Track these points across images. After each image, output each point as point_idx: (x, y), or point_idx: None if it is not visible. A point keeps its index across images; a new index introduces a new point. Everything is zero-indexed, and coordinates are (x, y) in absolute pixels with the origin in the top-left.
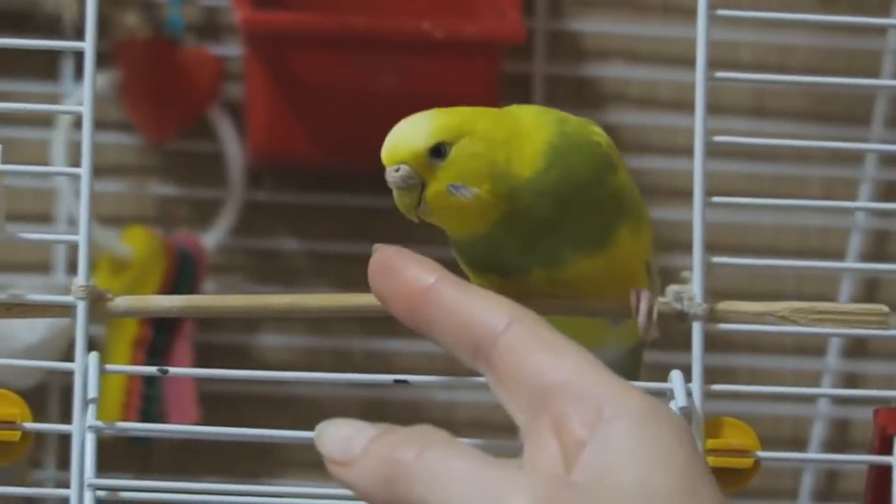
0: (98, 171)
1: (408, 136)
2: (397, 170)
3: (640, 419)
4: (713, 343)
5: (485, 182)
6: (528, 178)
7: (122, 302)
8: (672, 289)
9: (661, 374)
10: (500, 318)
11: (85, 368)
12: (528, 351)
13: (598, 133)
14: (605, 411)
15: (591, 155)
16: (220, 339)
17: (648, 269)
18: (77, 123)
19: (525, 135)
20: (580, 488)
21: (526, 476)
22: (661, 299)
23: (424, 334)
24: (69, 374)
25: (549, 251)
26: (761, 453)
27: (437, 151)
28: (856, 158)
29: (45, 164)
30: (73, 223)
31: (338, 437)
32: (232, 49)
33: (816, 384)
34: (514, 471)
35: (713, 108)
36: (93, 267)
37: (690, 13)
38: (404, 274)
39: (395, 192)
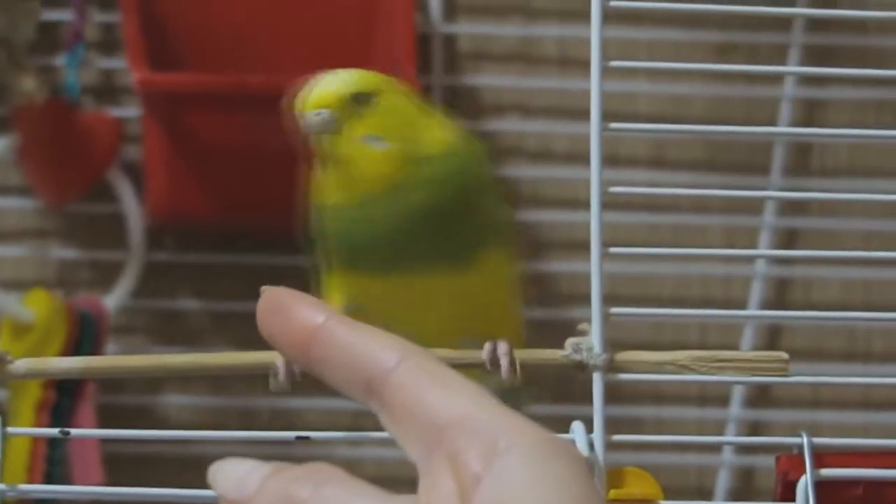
0: None
1: (333, 82)
2: (318, 114)
3: (536, 452)
4: (618, 394)
5: (398, 140)
6: (430, 154)
7: (22, 364)
8: (571, 341)
9: (564, 425)
10: (391, 354)
11: None
12: (421, 387)
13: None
14: (499, 444)
15: (483, 166)
16: (123, 401)
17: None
18: None
19: (434, 119)
20: None
21: None
22: (559, 351)
23: (316, 374)
24: None
25: (421, 249)
26: (663, 503)
27: (361, 99)
28: (755, 207)
29: None
30: None
31: (233, 475)
32: (130, 111)
33: (721, 433)
34: None
35: (611, 160)
36: None
37: (585, 65)
38: (294, 313)
39: (312, 139)
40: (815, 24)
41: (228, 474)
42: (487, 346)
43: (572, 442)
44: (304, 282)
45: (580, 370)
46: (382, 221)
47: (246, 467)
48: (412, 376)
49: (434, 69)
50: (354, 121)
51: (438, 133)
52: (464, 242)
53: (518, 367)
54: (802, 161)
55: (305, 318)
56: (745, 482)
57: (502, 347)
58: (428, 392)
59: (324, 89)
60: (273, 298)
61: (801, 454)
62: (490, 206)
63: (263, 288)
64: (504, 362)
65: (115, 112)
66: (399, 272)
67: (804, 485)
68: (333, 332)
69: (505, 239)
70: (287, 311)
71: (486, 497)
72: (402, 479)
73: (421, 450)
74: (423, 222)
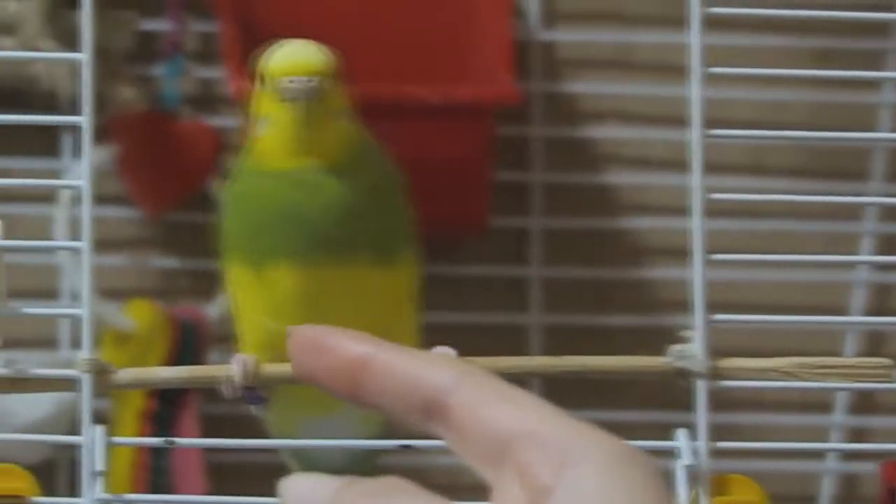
0: (99, 244)
1: (318, 53)
2: (310, 80)
3: (609, 462)
4: (720, 402)
5: (344, 119)
6: (357, 139)
7: (125, 374)
8: (673, 348)
9: (667, 432)
10: (449, 375)
11: (92, 442)
12: (485, 403)
13: None
14: (571, 455)
15: (395, 166)
16: (225, 410)
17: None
18: (77, 198)
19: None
20: None
21: None
22: (662, 359)
23: (368, 405)
24: (76, 449)
25: (351, 233)
26: None
27: (336, 76)
28: (855, 213)
29: (48, 239)
30: (75, 298)
31: (301, 490)
32: (228, 120)
33: (824, 440)
34: None
35: (710, 167)
36: (96, 340)
37: (682, 71)
38: (340, 348)
39: (293, 105)
40: None
41: (297, 489)
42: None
43: (676, 449)
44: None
45: (683, 377)
46: (327, 192)
47: (314, 482)
48: (474, 394)
49: (532, 76)
50: (330, 94)
51: (358, 127)
52: (388, 236)
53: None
54: None
55: (353, 352)
56: (849, 489)
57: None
58: (492, 408)
59: (314, 56)
60: (308, 339)
61: None
62: (406, 207)
63: (291, 329)
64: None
65: (214, 121)
66: (322, 258)
67: None
68: (387, 360)
69: (414, 247)
70: (330, 348)
71: None
72: None
73: (490, 466)
74: (359, 203)
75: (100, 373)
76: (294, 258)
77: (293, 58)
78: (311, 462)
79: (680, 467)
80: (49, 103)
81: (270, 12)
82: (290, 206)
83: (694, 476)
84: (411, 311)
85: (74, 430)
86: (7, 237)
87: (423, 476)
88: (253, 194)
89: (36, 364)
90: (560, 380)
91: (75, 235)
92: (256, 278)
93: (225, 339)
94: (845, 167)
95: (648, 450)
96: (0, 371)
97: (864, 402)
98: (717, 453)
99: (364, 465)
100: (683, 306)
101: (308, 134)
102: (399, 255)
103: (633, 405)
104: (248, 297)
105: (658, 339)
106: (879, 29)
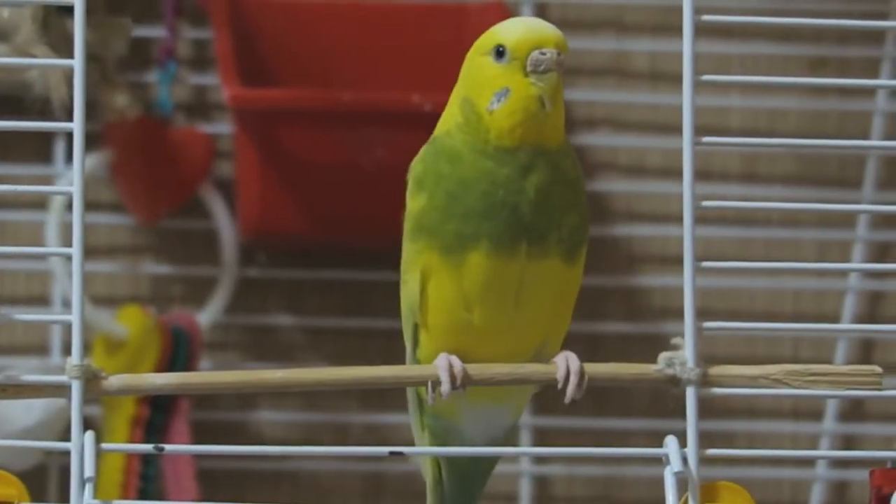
0: (91, 251)
1: (556, 28)
2: (559, 53)
3: None
4: (711, 409)
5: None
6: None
7: (116, 380)
8: (664, 355)
9: (658, 439)
10: None
11: (81, 448)
12: None
13: None
14: None
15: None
16: (217, 417)
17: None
18: (70, 205)
19: None
20: None
21: None
22: (653, 366)
23: None
24: (67, 455)
25: (546, 224)
26: None
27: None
28: (848, 221)
29: (40, 245)
30: (68, 304)
31: None
32: (222, 127)
33: (815, 447)
34: None
35: (704, 175)
36: (88, 347)
37: (677, 79)
38: None
39: (544, 78)
40: None
41: None
42: (560, 361)
43: (665, 456)
44: (394, 297)
45: (673, 385)
46: (543, 176)
47: None
48: None
49: None
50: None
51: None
52: (577, 231)
53: (585, 381)
54: (895, 174)
55: None
56: (838, 496)
57: (574, 364)
58: None
59: (557, 32)
60: None
61: (894, 468)
62: (587, 204)
63: None
64: (574, 381)
65: (208, 128)
66: (519, 246)
67: None
68: None
69: (585, 247)
70: None
71: None
72: (493, 494)
73: None
74: (564, 192)
75: (90, 379)
76: (494, 244)
77: (540, 30)
78: (453, 438)
79: (669, 474)
80: (42, 109)
81: (264, 20)
82: (507, 189)
83: (683, 483)
84: (570, 311)
85: (66, 436)
86: None
87: (414, 482)
88: (470, 175)
89: (27, 370)
90: (552, 387)
91: (67, 242)
92: (448, 264)
93: (217, 345)
94: (838, 175)
95: (638, 457)
96: None
97: (855, 410)
98: (707, 460)
99: (505, 442)
100: (675, 314)
101: (551, 108)
102: (580, 252)
103: (624, 412)
104: (438, 283)
105: (650, 347)
106: (873, 37)
